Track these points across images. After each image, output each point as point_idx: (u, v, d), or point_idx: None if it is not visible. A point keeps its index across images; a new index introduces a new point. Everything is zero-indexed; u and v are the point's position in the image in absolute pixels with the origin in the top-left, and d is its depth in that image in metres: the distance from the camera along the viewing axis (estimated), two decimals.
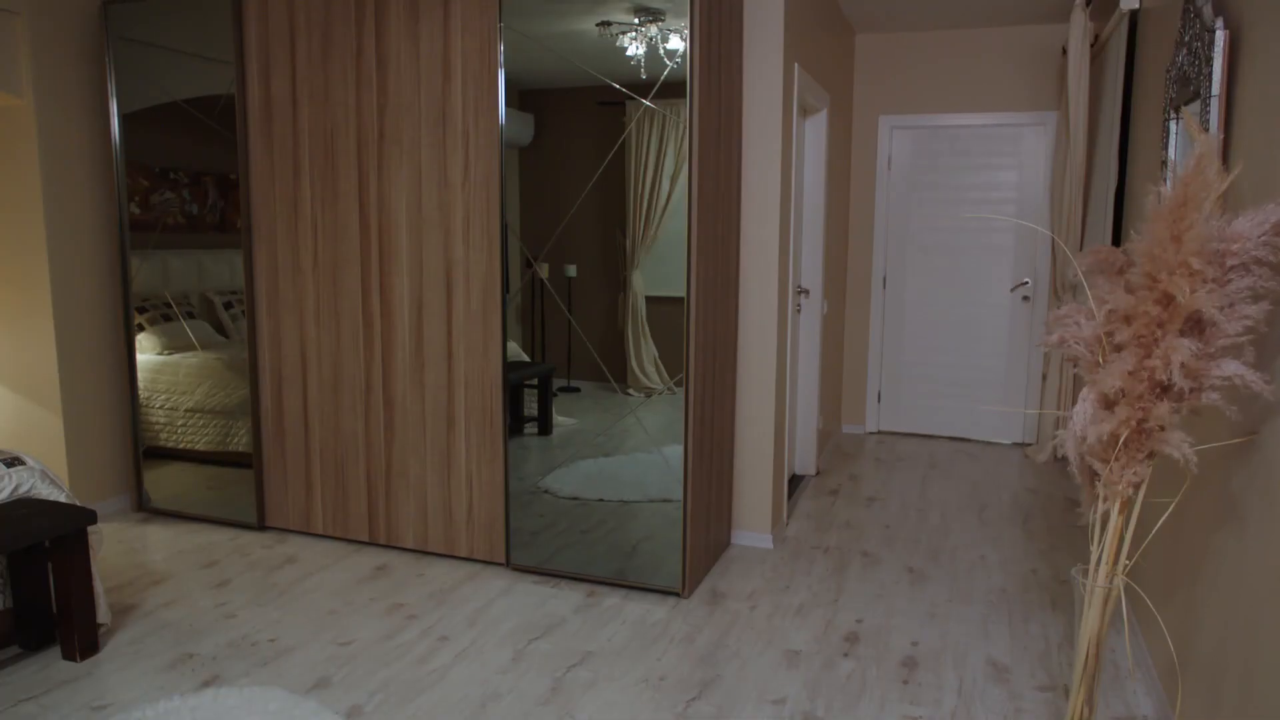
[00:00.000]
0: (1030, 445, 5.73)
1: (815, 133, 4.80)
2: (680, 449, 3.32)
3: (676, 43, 3.19)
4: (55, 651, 2.91)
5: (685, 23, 3.11)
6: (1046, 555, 3.84)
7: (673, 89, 3.22)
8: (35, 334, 4.05)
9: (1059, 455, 5.34)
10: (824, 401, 5.32)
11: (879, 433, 6.09)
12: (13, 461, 2.97)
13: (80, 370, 4.15)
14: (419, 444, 3.70)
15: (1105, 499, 1.97)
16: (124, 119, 4.12)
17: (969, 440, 5.93)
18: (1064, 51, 5.20)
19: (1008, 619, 3.20)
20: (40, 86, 3.89)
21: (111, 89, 4.07)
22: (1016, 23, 5.45)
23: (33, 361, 4.08)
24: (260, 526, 4.07)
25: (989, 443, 5.87)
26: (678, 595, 3.37)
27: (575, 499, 3.67)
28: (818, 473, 5.09)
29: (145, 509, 4.33)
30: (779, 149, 3.71)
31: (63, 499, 3.00)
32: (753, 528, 3.92)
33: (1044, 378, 5.47)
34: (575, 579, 3.51)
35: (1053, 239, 5.24)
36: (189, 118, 4.07)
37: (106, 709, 2.59)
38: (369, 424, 3.78)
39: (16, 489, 2.92)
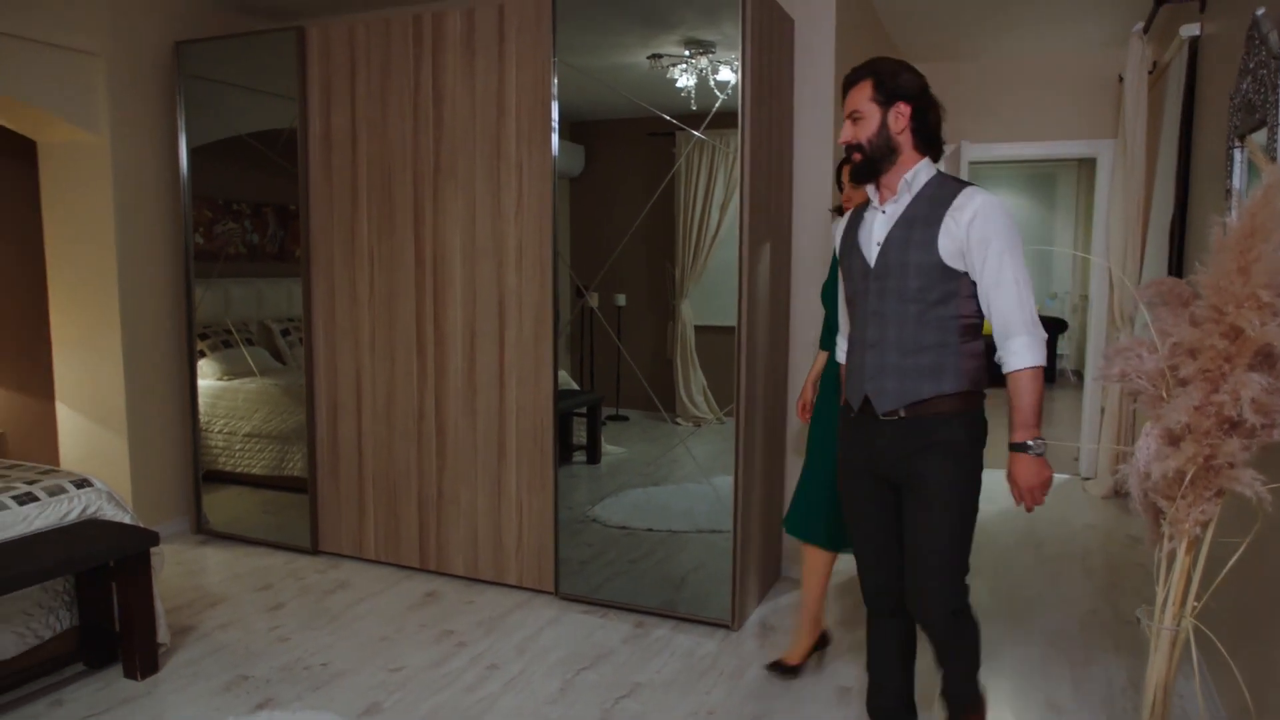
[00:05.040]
0: (1089, 479, 5.59)
1: None
2: (730, 479, 3.30)
3: (727, 74, 3.22)
4: (117, 670, 2.98)
5: (736, 55, 3.13)
6: (1107, 594, 3.73)
7: (723, 119, 3.24)
8: (104, 360, 4.18)
9: (1121, 492, 5.19)
10: None
11: None
12: (82, 483, 3.06)
13: (145, 395, 4.27)
14: (470, 471, 3.74)
15: (1171, 538, 1.92)
16: (191, 153, 4.27)
17: None
18: (1120, 79, 5.13)
19: (1068, 660, 3.11)
20: (116, 123, 4.06)
21: (181, 124, 4.23)
22: (1070, 50, 5.40)
23: (101, 386, 4.21)
24: (314, 551, 4.13)
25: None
26: (727, 628, 3.33)
27: (624, 528, 3.66)
28: None
29: (204, 531, 4.42)
30: (829, 175, 3.70)
31: (127, 521, 3.09)
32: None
33: (1102, 410, 5.34)
34: (624, 609, 3.50)
35: (1109, 269, 5.14)
36: (252, 151, 4.21)
37: None
38: (421, 451, 3.83)
39: (84, 510, 3.01)
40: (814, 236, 3.73)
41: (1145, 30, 4.46)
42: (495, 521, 3.71)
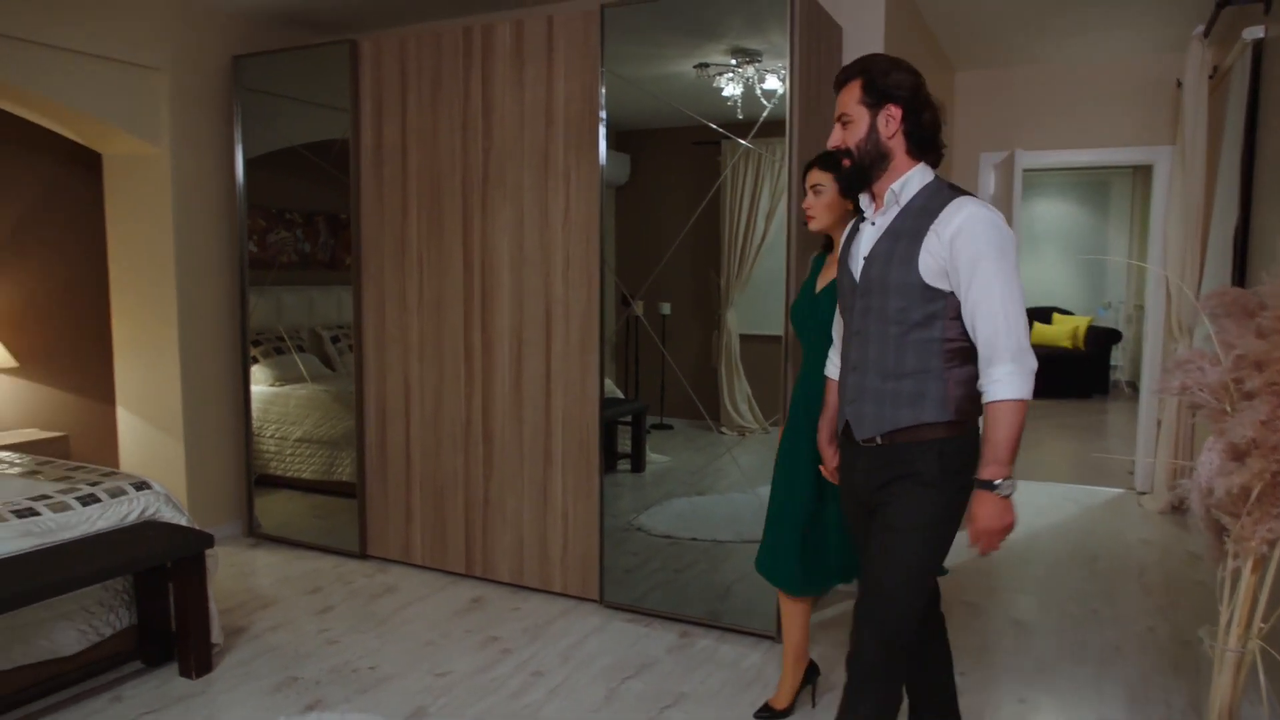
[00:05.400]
0: (1145, 494, 5.45)
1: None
2: None
3: (774, 83, 3.21)
4: (173, 668, 3.05)
5: (783, 63, 3.13)
6: (1166, 612, 3.63)
7: (770, 128, 3.24)
8: (163, 366, 4.30)
9: (1179, 507, 5.05)
10: None
11: None
12: (141, 485, 3.14)
13: (201, 400, 4.37)
14: (516, 479, 3.76)
15: (1236, 555, 1.86)
16: (247, 163, 4.37)
17: (1075, 484, 5.67)
18: (1179, 84, 5.01)
19: (1123, 679, 3.03)
20: (176, 135, 4.17)
21: (237, 135, 4.34)
22: (1126, 55, 5.29)
23: (160, 391, 4.32)
24: (362, 555, 4.19)
25: (1096, 488, 5.59)
26: (772, 639, 3.31)
27: (668, 537, 3.65)
28: None
29: (255, 534, 4.51)
30: None
31: (183, 523, 3.16)
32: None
33: (1159, 424, 5.21)
34: (668, 619, 3.49)
35: (1166, 279, 5.01)
36: (304, 161, 4.30)
37: None
38: (468, 458, 3.87)
39: (144, 512, 3.09)
40: None
41: (1206, 34, 4.35)
42: (540, 529, 3.73)
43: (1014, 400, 1.84)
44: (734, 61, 3.32)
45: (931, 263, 1.87)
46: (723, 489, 3.60)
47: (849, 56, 3.66)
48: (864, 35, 3.64)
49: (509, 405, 3.76)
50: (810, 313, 2.62)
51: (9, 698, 2.67)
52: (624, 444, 3.86)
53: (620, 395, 3.82)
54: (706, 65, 3.38)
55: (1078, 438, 7.24)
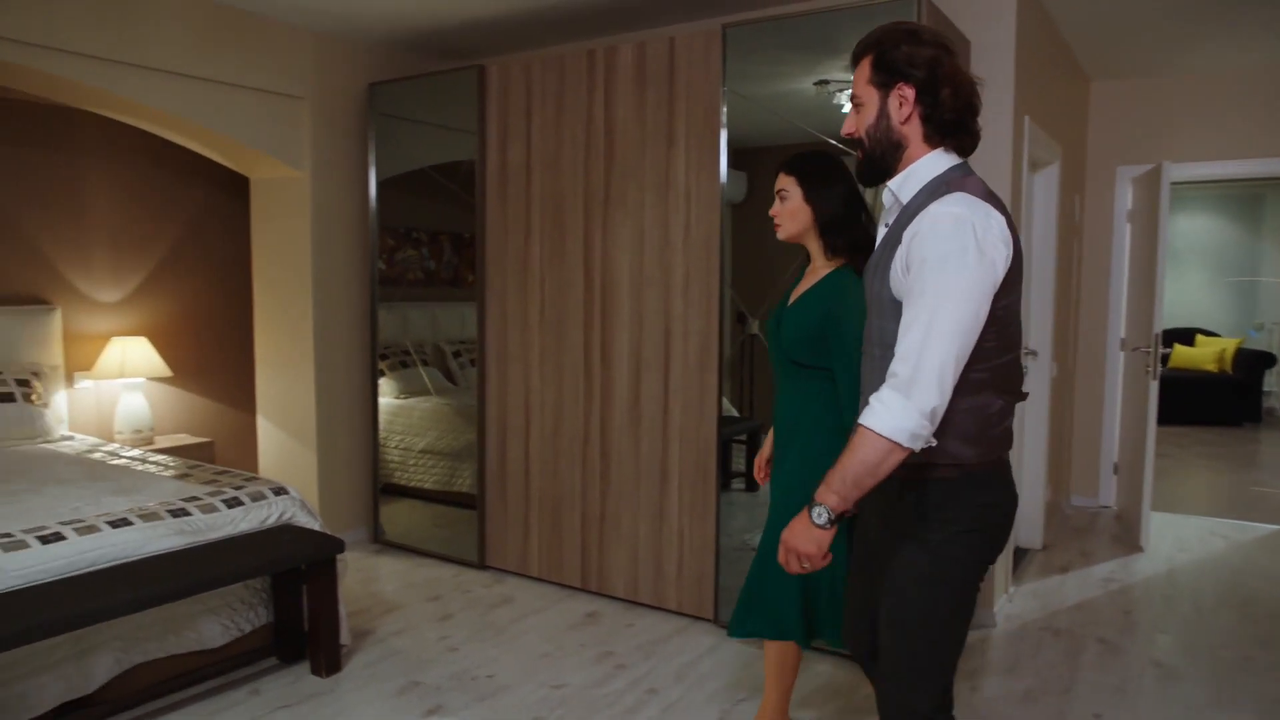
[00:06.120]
0: None
1: (1044, 187, 4.55)
2: None
3: None
4: (305, 666, 3.19)
5: None
6: None
7: None
8: (299, 377, 4.53)
9: None
10: (1052, 471, 4.95)
11: (1115, 507, 5.56)
12: (279, 491, 3.31)
13: (333, 411, 4.59)
14: (633, 496, 3.78)
15: None
16: (378, 185, 4.58)
17: (1223, 519, 5.28)
18: None
19: None
20: (316, 160, 4.41)
21: (371, 159, 4.55)
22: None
23: (296, 401, 4.56)
24: (480, 565, 4.29)
25: (1249, 524, 5.20)
26: None
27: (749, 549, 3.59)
28: (1044, 547, 4.71)
29: (379, 541, 4.69)
30: (1006, 205, 3.54)
31: (316, 528, 3.31)
32: None
33: None
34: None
35: None
36: (431, 182, 4.48)
37: None
38: (585, 474, 3.92)
39: (281, 516, 3.25)
40: None
41: None
42: (656, 546, 3.74)
43: (873, 432, 1.53)
44: None
45: (896, 274, 1.61)
46: None
47: (977, 71, 3.55)
48: (994, 49, 3.53)
49: (627, 422, 3.79)
50: (774, 329, 2.43)
51: (162, 684, 2.86)
52: (739, 463, 3.83)
53: (736, 414, 3.79)
54: (826, 82, 3.34)
55: (1227, 468, 6.75)
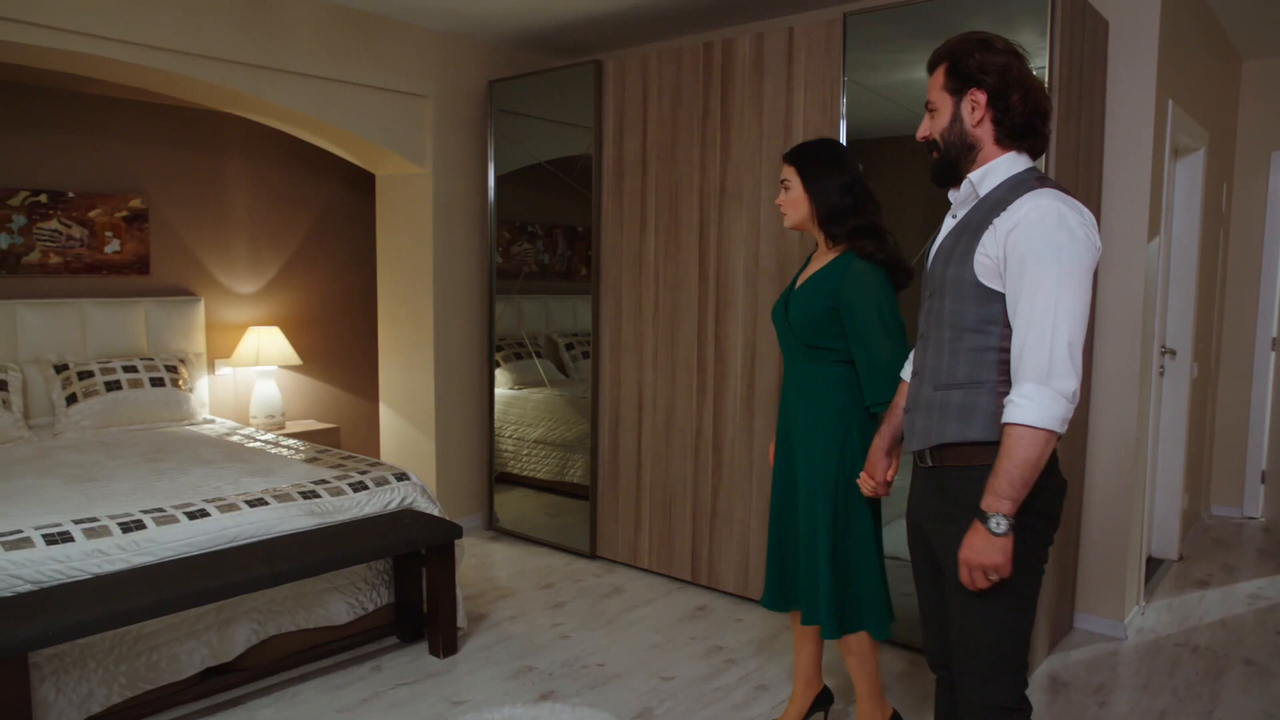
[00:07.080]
0: None
1: (1188, 174, 4.27)
2: None
3: None
4: (423, 646, 3.31)
5: (1039, 64, 2.91)
6: None
7: None
8: (419, 367, 4.69)
9: None
10: (1189, 478, 4.65)
11: (1262, 519, 5.19)
12: (401, 476, 3.44)
13: (451, 400, 4.73)
14: (745, 491, 3.76)
15: None
16: (496, 179, 4.68)
17: None
18: None
19: None
20: (437, 156, 4.55)
21: (490, 154, 4.66)
22: None
23: (416, 390, 4.72)
24: (591, 555, 4.35)
25: None
26: None
27: (895, 558, 3.49)
28: (1180, 558, 4.43)
29: (493, 528, 4.81)
30: (1146, 194, 3.34)
31: (435, 513, 3.42)
32: (1100, 612, 3.50)
33: None
34: (895, 644, 3.34)
35: None
36: (547, 176, 4.54)
37: (462, 706, 2.89)
38: (697, 467, 3.91)
39: (403, 500, 3.37)
40: (1122, 256, 3.38)
41: None
42: (766, 542, 3.69)
43: (1027, 427, 1.61)
44: None
45: (985, 260, 1.70)
46: None
47: (1116, 52, 3.36)
48: (1136, 29, 3.32)
49: (740, 417, 3.76)
50: (780, 311, 2.50)
51: (293, 656, 3.02)
52: None
53: None
54: None
55: None
